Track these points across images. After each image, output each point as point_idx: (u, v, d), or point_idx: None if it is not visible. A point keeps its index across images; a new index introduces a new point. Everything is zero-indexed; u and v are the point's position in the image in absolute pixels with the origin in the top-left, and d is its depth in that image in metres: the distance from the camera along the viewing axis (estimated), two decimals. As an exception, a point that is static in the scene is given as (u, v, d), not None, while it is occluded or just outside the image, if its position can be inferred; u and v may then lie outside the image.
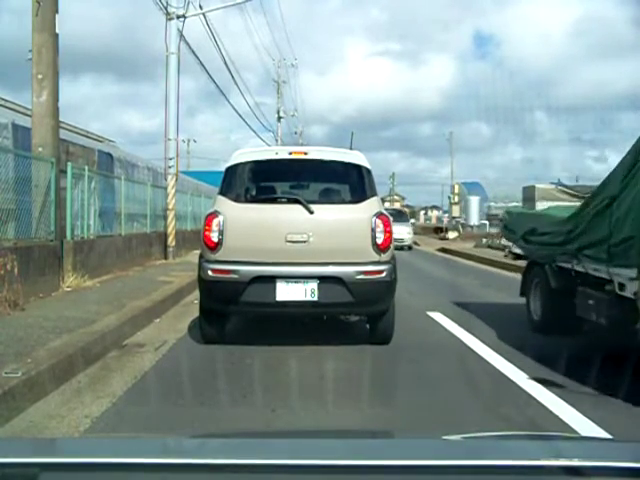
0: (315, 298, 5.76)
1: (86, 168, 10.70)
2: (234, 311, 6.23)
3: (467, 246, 24.84)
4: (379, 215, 5.97)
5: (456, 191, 44.62)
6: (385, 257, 5.95)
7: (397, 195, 65.89)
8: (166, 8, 15.07)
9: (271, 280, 5.77)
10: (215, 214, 5.94)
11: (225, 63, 23.82)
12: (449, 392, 4.69)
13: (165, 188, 15.69)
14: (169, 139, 15.42)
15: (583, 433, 3.61)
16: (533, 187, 33.12)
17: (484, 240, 25.35)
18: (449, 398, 4.51)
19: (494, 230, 36.19)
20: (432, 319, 7.72)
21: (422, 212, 79.84)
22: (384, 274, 5.88)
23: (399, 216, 24.84)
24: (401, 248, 22.50)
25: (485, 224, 40.44)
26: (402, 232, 23.38)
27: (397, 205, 58.78)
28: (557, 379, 4.76)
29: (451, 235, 34.43)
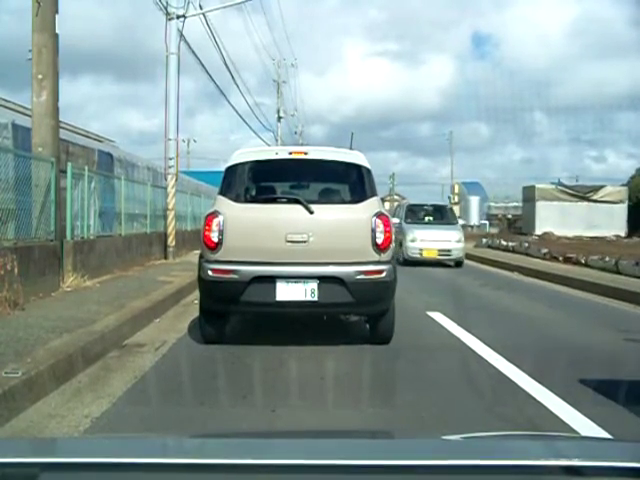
0: (315, 298, 5.76)
1: (86, 168, 10.70)
2: (234, 311, 6.23)
3: (467, 246, 24.75)
4: (379, 215, 5.97)
5: (456, 191, 44.67)
6: (385, 257, 5.95)
7: (397, 195, 65.76)
8: (166, 8, 15.07)
9: (271, 280, 5.77)
10: (215, 214, 5.94)
11: (225, 63, 23.74)
12: (449, 392, 4.68)
13: (165, 188, 15.69)
14: (169, 139, 15.41)
15: (583, 433, 3.61)
16: (533, 187, 33.22)
17: (484, 240, 25.33)
18: (449, 398, 4.51)
19: (494, 230, 36.22)
20: (432, 319, 7.72)
21: (422, 212, 79.69)
22: (384, 274, 5.87)
23: (441, 216, 17.64)
24: (439, 263, 15.87)
25: (485, 224, 40.50)
26: (448, 239, 16.13)
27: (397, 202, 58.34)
28: (557, 379, 4.76)
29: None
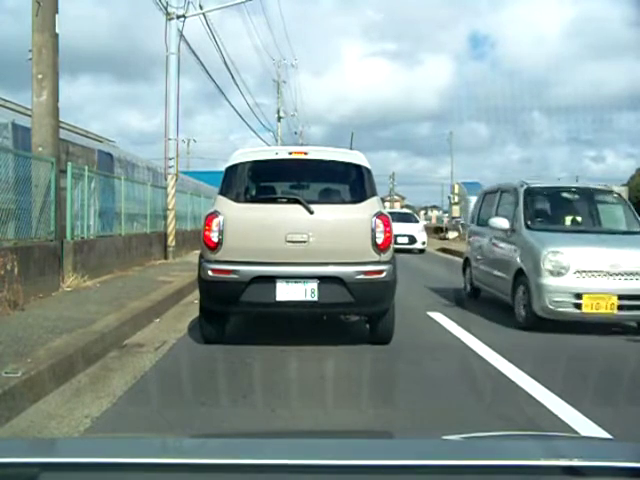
0: (315, 298, 5.76)
1: (86, 168, 10.70)
2: (234, 311, 6.23)
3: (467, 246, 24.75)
4: (379, 215, 5.97)
5: (456, 191, 44.63)
6: (385, 257, 5.95)
7: (397, 195, 65.84)
8: (166, 8, 15.07)
9: (271, 280, 5.77)
10: (215, 214, 5.94)
11: (225, 63, 23.81)
12: (449, 392, 4.69)
13: (165, 188, 15.69)
14: (169, 139, 15.42)
15: (583, 433, 3.61)
16: (533, 187, 33.22)
17: (484, 240, 25.19)
18: (449, 398, 4.51)
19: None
20: (432, 319, 7.72)
21: (422, 212, 79.95)
22: (384, 274, 5.87)
23: (604, 214, 8.48)
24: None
25: (485, 224, 40.38)
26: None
27: (398, 206, 58.15)
28: (557, 379, 4.76)
29: (451, 235, 34.41)
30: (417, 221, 23.16)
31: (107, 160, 13.57)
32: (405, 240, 20.85)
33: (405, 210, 30.51)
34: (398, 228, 20.94)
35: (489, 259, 8.89)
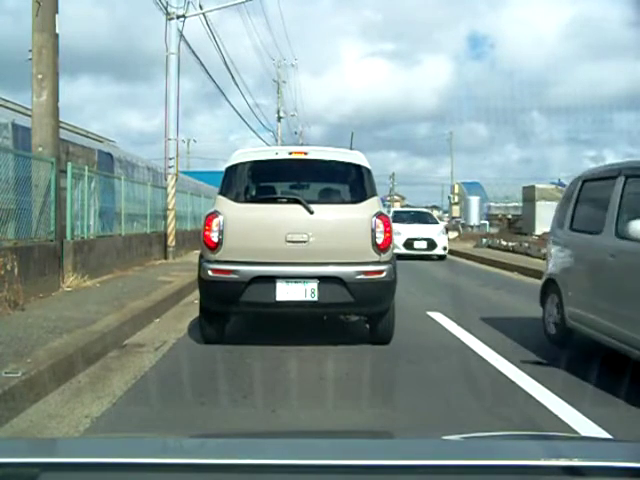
0: (315, 298, 5.77)
1: (86, 168, 10.70)
2: (234, 311, 6.23)
3: (467, 246, 24.81)
4: (379, 215, 5.97)
5: (456, 191, 44.70)
6: (385, 257, 5.95)
7: (397, 195, 65.77)
8: (166, 8, 15.07)
9: (271, 280, 5.77)
10: (215, 214, 5.95)
11: (225, 63, 23.90)
12: (449, 392, 4.68)
13: (165, 188, 15.69)
14: (169, 139, 15.42)
15: (583, 433, 3.61)
16: (533, 187, 33.17)
17: (484, 240, 25.31)
18: (449, 398, 4.51)
19: (494, 230, 36.21)
20: (432, 319, 7.71)
21: (422, 212, 79.68)
22: (384, 274, 5.88)
23: None
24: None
25: (485, 224, 40.44)
26: None
27: (398, 206, 58.06)
28: (557, 379, 4.76)
29: (451, 235, 34.35)
30: (436, 222, 18.99)
31: (107, 160, 13.58)
32: (423, 245, 17.36)
33: (422, 209, 24.97)
34: (414, 231, 17.58)
35: (610, 289, 5.19)
